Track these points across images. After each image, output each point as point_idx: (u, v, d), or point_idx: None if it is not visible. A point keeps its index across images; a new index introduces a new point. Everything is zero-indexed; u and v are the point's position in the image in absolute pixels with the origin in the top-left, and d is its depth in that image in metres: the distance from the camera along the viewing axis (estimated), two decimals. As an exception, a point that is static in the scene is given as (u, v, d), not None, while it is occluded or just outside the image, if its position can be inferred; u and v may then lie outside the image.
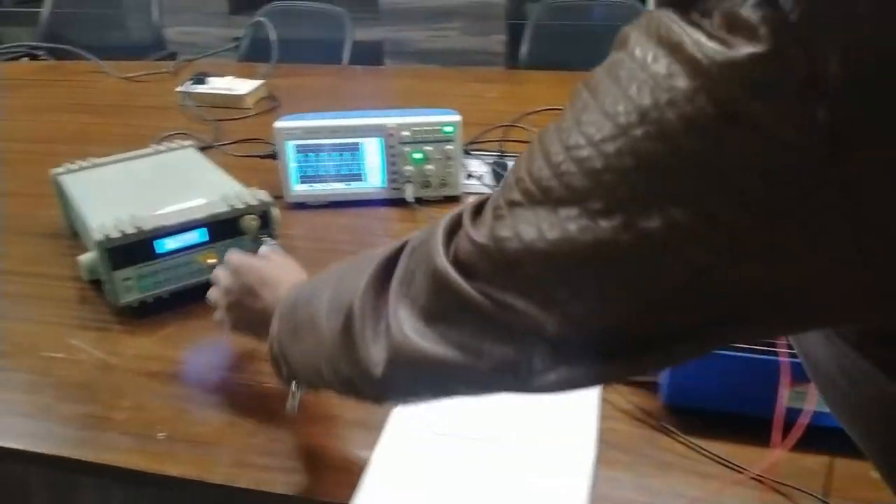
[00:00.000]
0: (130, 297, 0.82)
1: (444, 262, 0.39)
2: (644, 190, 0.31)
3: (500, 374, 0.38)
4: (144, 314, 0.83)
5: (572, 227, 0.33)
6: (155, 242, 0.82)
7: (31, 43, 2.02)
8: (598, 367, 0.37)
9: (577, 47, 2.04)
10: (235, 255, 0.69)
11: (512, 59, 2.91)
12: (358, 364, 0.44)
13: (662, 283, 0.32)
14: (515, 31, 2.93)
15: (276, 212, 0.89)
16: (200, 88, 1.52)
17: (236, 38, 2.86)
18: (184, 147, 1.07)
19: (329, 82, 1.74)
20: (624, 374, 0.42)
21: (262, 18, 1.74)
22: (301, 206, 1.09)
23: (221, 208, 0.85)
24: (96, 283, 0.86)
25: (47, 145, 1.37)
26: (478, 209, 0.39)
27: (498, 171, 1.12)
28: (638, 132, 0.30)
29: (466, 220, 0.39)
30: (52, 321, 0.84)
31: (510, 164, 1.14)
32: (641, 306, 0.34)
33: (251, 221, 0.86)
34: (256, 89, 1.54)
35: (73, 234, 1.01)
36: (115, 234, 0.79)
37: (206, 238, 0.85)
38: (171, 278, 0.84)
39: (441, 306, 0.39)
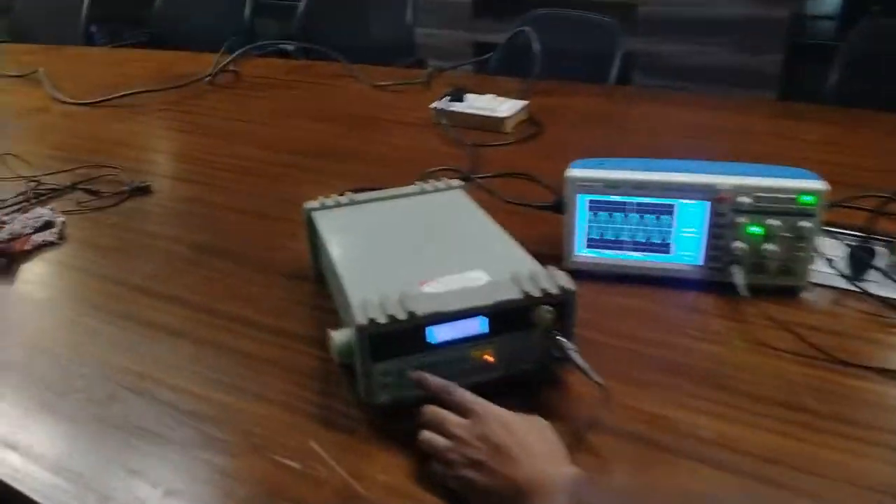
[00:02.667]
0: (386, 396, 0.63)
1: None
2: None
3: None
4: (398, 417, 0.64)
5: None
6: (428, 331, 0.62)
7: (282, 41, 1.98)
8: None
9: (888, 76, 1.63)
10: (471, 398, 0.59)
11: (786, 84, 2.50)
12: None
13: None
14: (793, 51, 2.51)
15: (575, 303, 0.66)
16: (457, 107, 1.35)
17: (479, 46, 2.72)
18: (451, 188, 0.88)
19: (597, 105, 1.49)
20: None
21: (526, 28, 1.54)
22: (581, 274, 0.86)
23: (511, 294, 0.63)
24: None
25: (293, 156, 1.26)
26: None
27: (859, 259, 0.82)
28: None
29: None
30: (292, 404, 0.67)
31: (880, 250, 0.82)
32: None
33: (546, 314, 0.64)
34: (518, 112, 1.34)
35: (318, 278, 0.86)
36: (381, 319, 0.60)
37: (486, 329, 0.64)
38: (436, 375, 0.64)
39: None
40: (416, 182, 0.90)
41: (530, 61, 1.50)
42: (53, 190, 1.12)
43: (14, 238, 0.95)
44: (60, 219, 1.01)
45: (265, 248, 0.96)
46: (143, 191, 1.12)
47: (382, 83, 1.62)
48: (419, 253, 0.73)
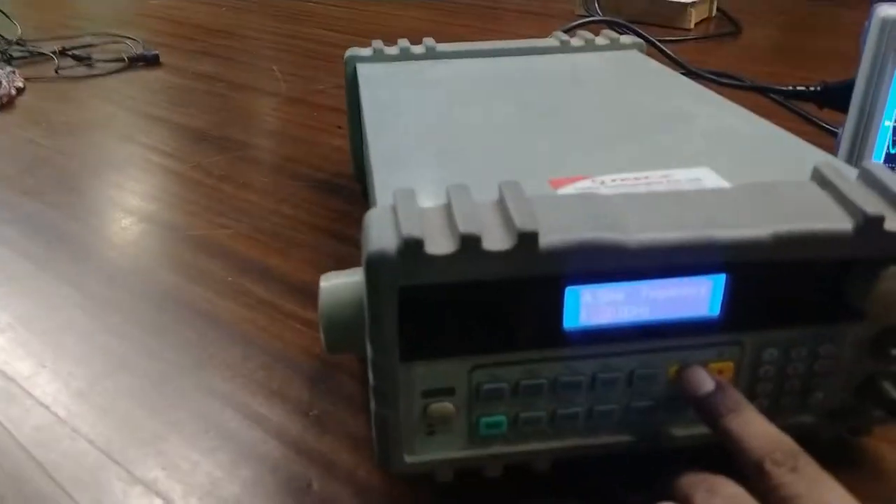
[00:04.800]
0: (433, 455, 0.24)
1: None
2: None
3: None
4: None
5: None
6: (567, 294, 0.22)
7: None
8: None
9: None
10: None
11: None
12: None
13: None
14: None
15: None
16: (616, -13, 0.92)
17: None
18: (620, 47, 0.47)
19: (811, 9, 1.03)
20: None
21: None
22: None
23: (824, 218, 0.22)
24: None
25: (367, 41, 0.88)
26: None
27: None
28: None
29: None
30: (242, 433, 0.30)
31: None
32: None
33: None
34: (705, 1, 0.90)
35: (363, 190, 0.49)
36: (441, 245, 0.20)
37: (716, 311, 0.23)
38: (566, 417, 0.24)
39: None
40: (553, 34, 0.49)
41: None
42: (35, 53, 0.80)
43: (-71, 98, 0.63)
44: (17, 83, 0.69)
45: (290, 140, 0.59)
46: (149, 62, 0.78)
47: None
48: (561, 134, 0.33)
